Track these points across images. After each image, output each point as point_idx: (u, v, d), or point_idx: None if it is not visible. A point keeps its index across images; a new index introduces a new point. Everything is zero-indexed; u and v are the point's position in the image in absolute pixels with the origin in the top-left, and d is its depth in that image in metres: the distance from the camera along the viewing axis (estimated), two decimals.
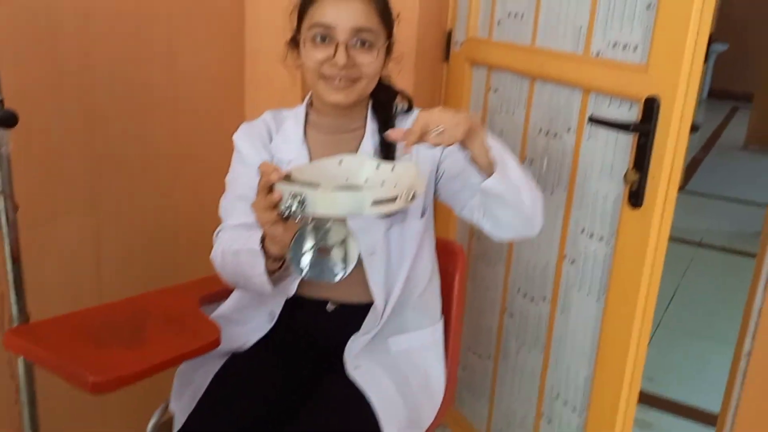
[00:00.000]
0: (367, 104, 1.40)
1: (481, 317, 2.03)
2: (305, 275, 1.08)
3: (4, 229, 1.34)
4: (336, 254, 1.06)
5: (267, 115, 1.46)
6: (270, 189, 1.07)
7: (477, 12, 1.95)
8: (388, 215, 1.31)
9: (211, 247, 1.38)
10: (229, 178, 1.44)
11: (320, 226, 1.05)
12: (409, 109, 1.43)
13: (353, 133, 1.39)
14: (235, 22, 2.01)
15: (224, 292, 1.49)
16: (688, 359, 2.82)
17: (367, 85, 1.33)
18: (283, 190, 1.02)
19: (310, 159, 1.39)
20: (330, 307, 1.43)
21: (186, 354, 1.27)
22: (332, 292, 1.42)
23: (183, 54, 1.86)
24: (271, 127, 1.43)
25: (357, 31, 1.27)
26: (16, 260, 1.37)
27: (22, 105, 1.47)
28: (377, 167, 1.15)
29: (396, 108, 1.42)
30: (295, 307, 1.43)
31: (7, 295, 1.38)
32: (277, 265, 1.25)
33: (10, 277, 1.37)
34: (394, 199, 1.00)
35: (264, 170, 1.08)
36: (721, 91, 7.47)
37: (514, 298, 1.89)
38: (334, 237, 1.06)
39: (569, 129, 1.63)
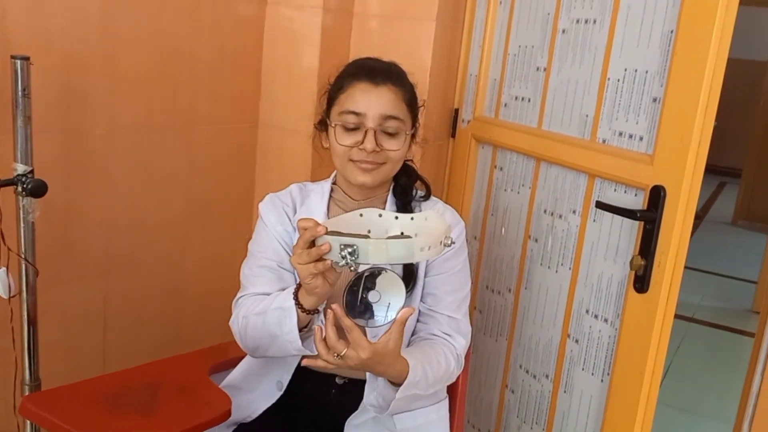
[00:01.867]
0: (389, 186, 1.46)
1: (482, 390, 2.04)
2: (359, 322, 1.14)
3: (23, 294, 1.36)
4: (385, 299, 1.12)
5: (293, 188, 1.50)
6: (312, 243, 1.12)
7: (484, 93, 2.03)
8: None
9: (220, 315, 1.40)
10: (251, 246, 1.47)
11: (373, 273, 1.12)
12: (428, 195, 1.49)
13: None
14: (251, 97, 2.08)
15: (233, 361, 1.51)
16: None
17: (392, 169, 1.39)
18: (332, 241, 1.08)
19: None
20: (339, 380, 1.45)
21: (199, 426, 1.27)
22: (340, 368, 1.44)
23: (201, 124, 1.92)
24: (296, 199, 1.48)
25: (385, 118, 1.34)
26: (32, 323, 1.38)
27: (46, 172, 1.51)
28: (396, 218, 1.21)
29: (415, 193, 1.47)
30: (303, 378, 1.44)
31: (20, 359, 1.38)
32: (307, 321, 1.28)
33: (25, 341, 1.38)
34: (437, 245, 1.08)
35: (305, 225, 1.13)
36: (709, 165, 7.64)
37: (516, 374, 1.90)
38: (384, 284, 1.12)
39: (574, 211, 1.69)
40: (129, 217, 1.77)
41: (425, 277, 1.42)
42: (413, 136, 1.43)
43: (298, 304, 1.23)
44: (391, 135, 1.35)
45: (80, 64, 1.57)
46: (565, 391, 1.73)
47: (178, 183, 1.89)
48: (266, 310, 1.29)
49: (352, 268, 1.08)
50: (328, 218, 1.44)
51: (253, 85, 2.07)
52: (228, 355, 1.45)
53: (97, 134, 1.64)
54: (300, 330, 1.26)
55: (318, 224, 1.12)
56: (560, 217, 1.74)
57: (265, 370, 1.46)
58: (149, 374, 1.39)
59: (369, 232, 1.21)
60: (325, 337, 1.17)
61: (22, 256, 1.33)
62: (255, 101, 2.10)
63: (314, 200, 1.46)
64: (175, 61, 1.79)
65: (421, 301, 1.42)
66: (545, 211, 1.79)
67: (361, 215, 1.21)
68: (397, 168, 1.41)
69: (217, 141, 1.98)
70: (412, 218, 1.20)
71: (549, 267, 1.77)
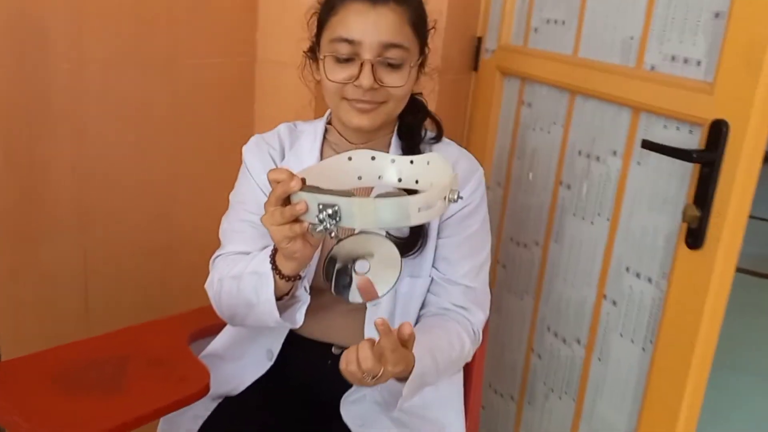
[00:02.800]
0: (394, 126, 1.22)
1: (505, 353, 1.84)
2: (345, 298, 0.91)
3: None
4: (375, 269, 0.89)
5: (282, 128, 1.28)
6: (287, 199, 0.90)
7: (511, 17, 1.76)
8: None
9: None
10: (233, 196, 1.27)
11: (357, 240, 0.87)
12: (439, 137, 1.24)
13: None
14: (247, 27, 1.84)
15: (218, 327, 1.32)
16: (726, 395, 2.61)
17: (394, 108, 1.15)
18: (308, 199, 0.85)
19: None
20: (336, 350, 1.25)
21: (171, 404, 1.09)
22: (337, 335, 1.24)
23: (186, 59, 1.69)
24: (285, 142, 1.26)
25: (386, 47, 1.08)
26: None
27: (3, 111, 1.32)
28: (392, 161, 0.99)
29: (424, 134, 1.24)
30: (296, 347, 1.25)
31: None
32: (288, 288, 1.08)
33: None
34: (439, 202, 0.85)
35: (277, 177, 0.90)
36: None
37: (543, 337, 1.69)
38: (375, 251, 0.88)
39: (614, 152, 1.44)
40: (104, 165, 1.57)
41: (438, 238, 1.20)
42: (421, 65, 1.18)
43: (275, 269, 1.03)
44: (394, 67, 1.10)
45: None
46: (599, 359, 1.52)
47: (161, 125, 1.68)
48: (241, 274, 1.09)
49: (332, 235, 0.85)
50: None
51: (248, 13, 1.83)
52: (212, 320, 1.26)
53: (62, 70, 1.43)
54: (280, 298, 1.06)
55: (293, 176, 0.89)
56: (597, 159, 1.49)
57: (252, 336, 1.27)
58: (118, 344, 1.22)
59: (360, 178, 0.99)
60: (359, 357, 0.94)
61: None
62: (251, 32, 1.86)
63: (305, 143, 1.24)
64: None
65: (432, 266, 1.20)
66: (580, 153, 1.55)
67: (349, 158, 0.99)
68: (401, 106, 1.16)
69: (206, 78, 1.75)
70: (411, 161, 0.98)
71: (583, 218, 1.54)
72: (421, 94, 1.25)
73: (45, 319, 1.53)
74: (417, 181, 0.98)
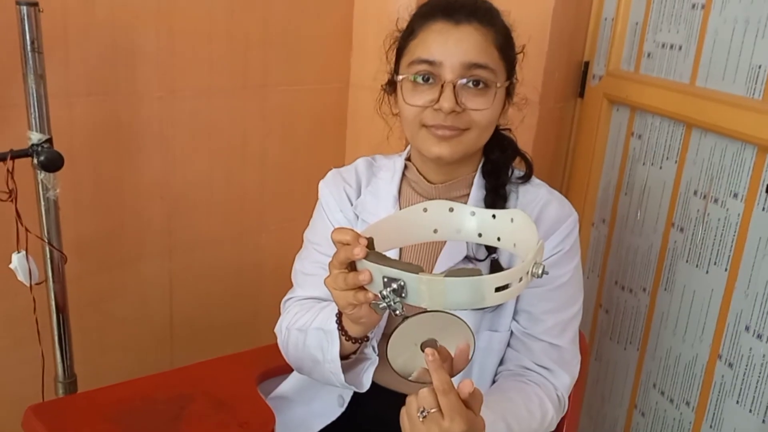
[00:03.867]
0: (478, 163, 1.11)
1: (605, 406, 1.68)
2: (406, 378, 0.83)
3: (49, 281, 1.19)
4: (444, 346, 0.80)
5: (360, 163, 1.20)
6: (353, 264, 0.82)
7: (622, 41, 1.62)
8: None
9: None
10: (307, 234, 1.21)
11: (425, 319, 0.78)
12: (528, 176, 1.12)
13: (457, 199, 1.10)
14: (341, 53, 1.80)
15: (290, 366, 1.27)
16: None
17: (478, 138, 1.03)
18: (373, 271, 0.76)
19: None
20: None
21: None
22: (411, 386, 1.15)
23: (278, 85, 1.67)
24: (362, 178, 1.18)
25: (469, 67, 0.98)
26: (61, 312, 1.21)
27: (90, 142, 1.34)
28: (472, 214, 0.89)
29: (511, 172, 1.12)
30: (369, 395, 1.17)
31: (51, 353, 1.23)
32: (354, 349, 1.00)
33: (54, 331, 1.22)
34: (520, 277, 0.73)
35: (341, 239, 0.81)
36: None
37: (648, 394, 1.53)
38: (444, 330, 0.79)
39: (735, 194, 1.27)
40: (193, 191, 1.57)
41: None
42: (508, 94, 1.07)
43: (341, 329, 0.95)
44: (478, 90, 0.99)
45: (129, 18, 1.36)
46: (711, 426, 1.34)
47: (250, 151, 1.66)
48: (308, 328, 1.02)
49: (397, 312, 0.75)
50: (399, 204, 1.13)
51: (342, 39, 1.80)
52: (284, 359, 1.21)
53: (152, 98, 1.44)
54: (347, 357, 0.99)
55: (357, 238, 0.79)
56: (715, 201, 1.33)
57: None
58: (183, 381, 1.18)
59: (436, 231, 0.90)
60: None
61: (45, 239, 1.15)
62: (345, 58, 1.82)
63: (383, 180, 1.16)
64: (245, 13, 1.54)
65: (513, 318, 1.09)
66: (695, 193, 1.38)
67: (425, 210, 0.90)
68: (485, 137, 1.05)
69: (298, 104, 1.73)
70: (494, 216, 0.87)
71: (697, 265, 1.37)
72: (509, 130, 1.14)
73: (130, 346, 1.54)
74: (498, 239, 0.87)
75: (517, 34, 1.06)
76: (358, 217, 1.16)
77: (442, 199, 1.05)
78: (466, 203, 1.05)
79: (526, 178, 1.10)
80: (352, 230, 0.81)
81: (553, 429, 1.08)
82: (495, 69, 1.01)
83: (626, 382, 1.60)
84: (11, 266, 1.14)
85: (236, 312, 1.72)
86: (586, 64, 1.73)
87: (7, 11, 1.07)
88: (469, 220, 0.89)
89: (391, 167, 1.16)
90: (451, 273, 0.72)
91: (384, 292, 0.74)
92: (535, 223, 0.97)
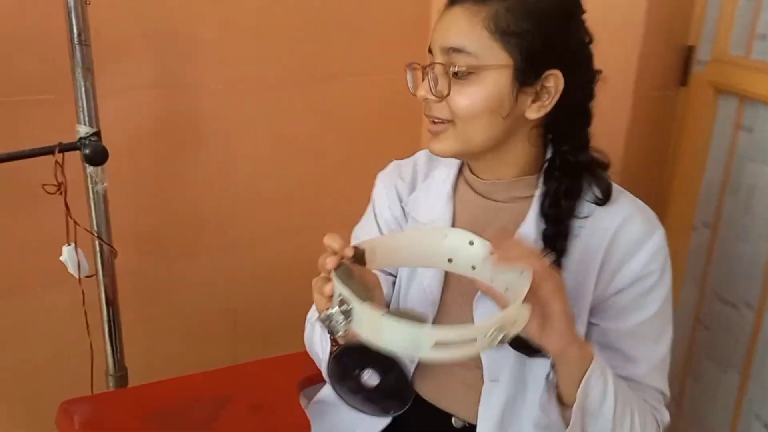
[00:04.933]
0: (542, 165, 0.96)
1: None
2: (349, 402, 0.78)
3: (99, 275, 1.19)
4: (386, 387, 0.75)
5: (421, 156, 1.11)
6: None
7: (731, 21, 1.42)
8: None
9: None
10: (354, 229, 1.15)
11: (363, 350, 0.75)
12: (605, 197, 0.93)
13: (516, 203, 0.98)
14: (417, 39, 1.71)
15: None
16: None
17: (467, 131, 0.90)
18: (336, 285, 0.73)
19: (454, 225, 1.03)
20: (457, 422, 1.07)
21: None
22: (457, 406, 1.06)
23: (348, 76, 1.61)
24: (420, 172, 1.09)
25: (446, 51, 0.87)
26: (111, 304, 1.22)
27: (150, 134, 1.33)
28: (491, 254, 0.80)
29: (581, 186, 0.94)
30: (416, 408, 1.09)
31: (102, 347, 1.23)
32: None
33: (105, 325, 1.22)
34: (473, 341, 0.66)
35: (330, 245, 0.79)
36: None
37: (750, 425, 1.34)
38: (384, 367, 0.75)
39: None
40: (253, 184, 1.54)
41: (592, 321, 0.95)
42: (522, 80, 0.88)
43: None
44: (457, 77, 0.87)
45: (186, 9, 1.34)
46: None
47: (313, 146, 1.61)
48: (314, 321, 0.99)
49: (338, 333, 0.72)
50: (453, 203, 1.03)
51: (420, 24, 1.71)
52: None
53: (212, 90, 1.41)
54: None
55: (343, 248, 0.77)
56: None
57: None
58: (225, 382, 1.16)
59: (450, 261, 0.84)
60: None
61: (93, 233, 1.16)
62: (422, 44, 1.73)
63: (439, 176, 1.06)
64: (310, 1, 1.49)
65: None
66: None
67: (445, 236, 0.85)
68: (478, 129, 0.89)
69: (367, 95, 1.66)
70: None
71: None
72: (585, 133, 0.96)
73: (188, 340, 1.54)
74: (507, 289, 0.78)
75: (623, 12, 0.91)
76: (407, 216, 1.08)
77: (497, 199, 0.96)
78: (529, 207, 0.94)
79: (603, 199, 0.94)
80: (339, 238, 0.79)
81: None
82: (476, 52, 0.86)
83: (726, 408, 1.41)
84: (61, 259, 1.14)
85: (297, 309, 1.68)
86: (690, 48, 1.54)
87: (56, 3, 1.07)
88: (484, 259, 0.81)
89: (449, 161, 1.06)
90: (397, 312, 0.69)
91: (332, 311, 0.71)
92: (607, 250, 0.88)
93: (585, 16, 0.93)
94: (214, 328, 1.58)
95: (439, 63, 0.88)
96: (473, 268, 0.83)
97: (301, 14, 1.48)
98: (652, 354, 0.94)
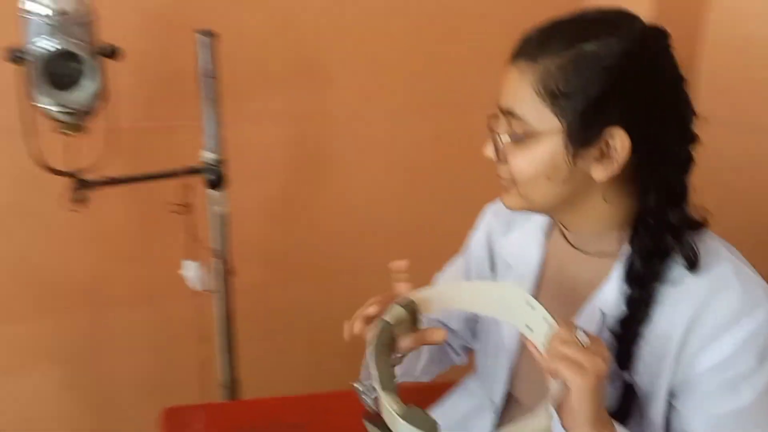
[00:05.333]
0: (631, 219, 0.86)
1: None
2: None
3: (219, 292, 1.27)
4: None
5: None
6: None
7: None
8: None
9: None
10: (448, 264, 1.13)
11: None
12: (691, 264, 0.81)
13: (604, 258, 0.88)
14: None
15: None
16: None
17: (528, 193, 0.84)
18: (368, 362, 0.77)
19: (540, 272, 0.96)
20: None
21: None
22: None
23: (483, 105, 1.56)
24: (519, 214, 1.04)
25: (504, 113, 0.82)
26: (228, 319, 1.29)
27: (280, 160, 1.40)
28: (544, 319, 0.77)
29: (669, 247, 0.82)
30: None
31: (218, 359, 1.31)
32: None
33: (221, 338, 1.30)
34: None
35: (395, 268, 0.88)
36: None
37: None
38: None
39: None
40: (380, 212, 1.56)
41: (672, 403, 0.83)
42: (579, 142, 0.79)
43: None
44: (512, 141, 0.81)
45: (317, 42, 1.40)
46: None
47: (441, 176, 1.59)
48: None
49: (366, 404, 0.77)
50: (545, 251, 0.95)
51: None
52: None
53: (342, 118, 1.46)
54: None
55: (377, 313, 0.83)
56: None
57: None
58: (311, 408, 1.17)
59: (501, 318, 0.85)
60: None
61: (212, 251, 1.24)
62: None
63: (536, 219, 0.99)
64: (443, 33, 1.48)
65: None
66: None
67: (502, 289, 0.84)
68: (539, 192, 0.83)
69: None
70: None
71: None
72: (679, 175, 0.85)
73: (311, 358, 1.58)
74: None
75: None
76: (496, 259, 1.03)
77: (585, 251, 0.89)
78: (614, 264, 0.84)
79: (691, 265, 0.81)
80: (377, 305, 0.86)
81: None
82: (525, 117, 0.79)
83: None
84: (181, 273, 1.24)
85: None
86: None
87: (187, 38, 1.16)
88: (542, 324, 0.77)
89: None
90: (412, 413, 0.70)
91: (362, 385, 0.77)
92: (691, 324, 0.79)
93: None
94: (338, 349, 1.61)
95: (497, 125, 0.83)
96: (531, 330, 0.78)
97: (429, 46, 1.48)
98: None
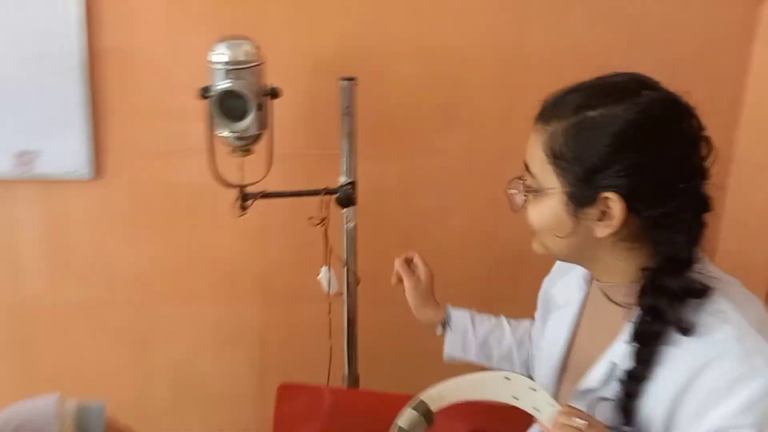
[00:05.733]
0: (637, 288, 0.91)
1: None
2: None
3: (344, 295, 1.48)
4: None
5: None
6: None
7: None
8: None
9: None
10: None
11: None
12: (684, 332, 0.84)
13: (629, 308, 0.91)
14: (722, 124, 1.61)
15: None
16: None
17: (545, 241, 0.93)
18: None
19: (579, 313, 1.03)
20: None
21: None
22: None
23: None
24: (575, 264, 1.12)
25: (526, 169, 0.92)
26: (351, 324, 1.50)
27: (395, 190, 1.61)
28: (551, 407, 0.87)
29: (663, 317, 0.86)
30: None
31: (341, 355, 1.52)
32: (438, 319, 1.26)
33: (345, 340, 1.51)
34: None
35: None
36: None
37: None
38: None
39: None
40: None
41: None
42: (578, 202, 0.86)
43: None
44: (528, 193, 0.92)
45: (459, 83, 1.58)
46: None
47: None
48: None
49: None
50: (587, 294, 1.03)
51: (728, 107, 1.61)
52: None
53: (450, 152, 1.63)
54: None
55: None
56: None
57: None
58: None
59: (516, 399, 0.91)
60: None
61: (343, 260, 1.46)
62: (729, 130, 1.63)
63: (579, 269, 1.04)
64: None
65: None
66: None
67: (507, 378, 0.92)
68: (554, 242, 0.91)
69: None
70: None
71: None
72: (683, 243, 0.86)
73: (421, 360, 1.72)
74: None
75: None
76: (550, 301, 1.11)
77: (613, 299, 0.94)
78: (630, 313, 0.90)
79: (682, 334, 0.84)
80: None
81: None
82: (536, 174, 0.89)
83: None
84: (318, 278, 1.47)
85: None
86: None
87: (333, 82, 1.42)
88: (547, 409, 0.86)
89: None
90: None
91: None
92: (687, 389, 0.82)
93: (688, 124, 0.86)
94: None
95: (518, 178, 0.93)
96: (538, 411, 0.88)
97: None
98: None
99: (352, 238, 1.46)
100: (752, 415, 0.78)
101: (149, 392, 1.80)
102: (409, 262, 1.23)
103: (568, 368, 1.03)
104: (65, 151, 1.56)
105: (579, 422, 0.80)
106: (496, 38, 1.57)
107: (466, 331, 1.21)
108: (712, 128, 0.89)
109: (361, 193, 1.43)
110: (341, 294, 1.49)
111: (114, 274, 1.69)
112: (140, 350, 1.76)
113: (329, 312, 1.49)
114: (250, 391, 1.81)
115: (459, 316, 1.22)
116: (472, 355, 1.21)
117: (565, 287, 1.08)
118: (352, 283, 1.48)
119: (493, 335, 1.22)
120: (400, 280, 1.22)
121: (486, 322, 1.23)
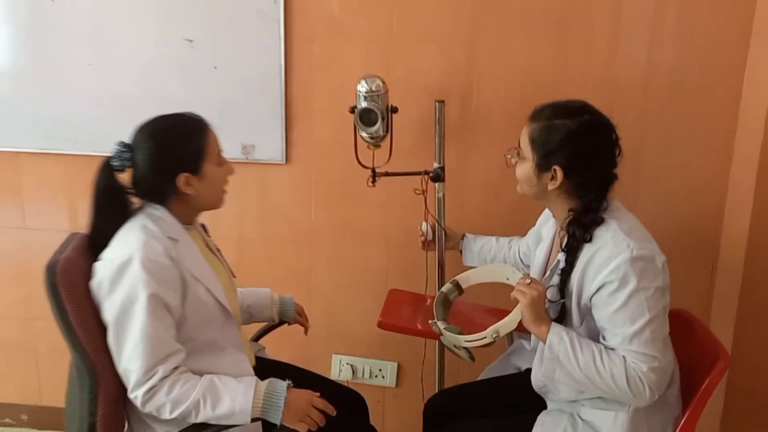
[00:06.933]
0: (566, 210, 1.64)
1: None
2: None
3: (436, 242, 2.24)
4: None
5: None
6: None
7: None
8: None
9: None
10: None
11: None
12: (584, 241, 1.60)
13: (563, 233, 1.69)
14: (723, 126, 2.18)
15: None
16: None
17: (526, 190, 1.67)
18: (434, 307, 1.83)
19: (552, 239, 1.82)
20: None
21: None
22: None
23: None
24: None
25: (519, 144, 1.66)
26: (440, 264, 2.25)
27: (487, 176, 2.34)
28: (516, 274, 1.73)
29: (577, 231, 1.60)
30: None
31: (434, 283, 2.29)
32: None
33: (436, 271, 2.26)
34: (483, 338, 1.58)
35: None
36: None
37: None
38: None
39: None
40: None
41: (592, 309, 1.56)
42: (540, 168, 1.61)
43: None
44: (519, 158, 1.66)
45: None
46: None
47: None
48: None
49: (436, 328, 1.75)
50: (556, 229, 1.76)
51: (727, 109, 2.18)
52: None
53: None
54: None
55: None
56: None
57: None
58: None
59: (507, 279, 1.77)
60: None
61: (436, 219, 2.22)
62: (730, 131, 2.19)
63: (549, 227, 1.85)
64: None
65: (601, 336, 1.57)
66: None
67: (503, 268, 1.83)
68: (526, 187, 1.67)
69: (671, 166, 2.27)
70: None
71: None
72: (595, 198, 1.59)
73: None
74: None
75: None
76: (539, 233, 1.90)
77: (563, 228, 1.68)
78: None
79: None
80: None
81: (633, 399, 1.52)
82: (523, 149, 1.62)
83: None
84: (420, 228, 2.25)
85: None
86: None
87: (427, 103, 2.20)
88: (514, 278, 1.70)
89: None
90: (450, 326, 1.72)
91: (435, 321, 1.78)
92: (588, 267, 1.56)
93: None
94: None
95: (513, 148, 1.68)
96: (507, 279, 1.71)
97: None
98: (624, 330, 1.49)
99: (441, 203, 2.22)
100: (617, 274, 1.49)
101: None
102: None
103: (547, 271, 1.75)
104: (270, 145, 2.47)
105: (528, 280, 1.55)
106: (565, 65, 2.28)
107: (471, 250, 2.08)
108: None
109: (448, 174, 2.20)
110: (434, 241, 2.26)
111: (297, 225, 2.59)
112: (305, 275, 2.64)
113: (426, 253, 2.27)
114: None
115: (468, 241, 2.12)
116: (476, 261, 2.08)
117: (547, 228, 1.81)
118: (441, 235, 2.24)
119: (488, 247, 2.10)
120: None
121: (483, 241, 2.10)
